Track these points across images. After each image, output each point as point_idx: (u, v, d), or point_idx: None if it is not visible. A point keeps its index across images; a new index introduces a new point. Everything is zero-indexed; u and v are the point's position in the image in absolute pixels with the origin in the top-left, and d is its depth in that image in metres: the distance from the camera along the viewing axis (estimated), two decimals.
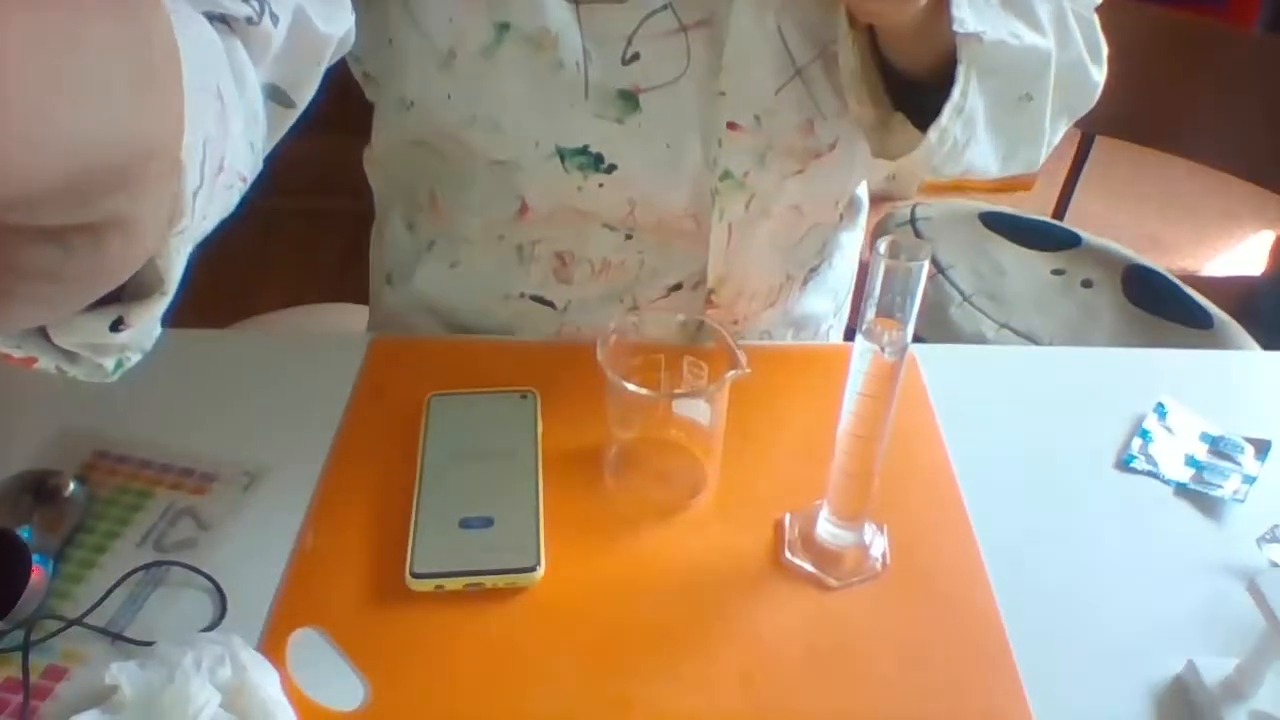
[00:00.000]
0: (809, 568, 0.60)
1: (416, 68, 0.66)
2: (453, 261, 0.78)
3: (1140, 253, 1.49)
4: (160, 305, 0.39)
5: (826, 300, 0.86)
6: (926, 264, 0.49)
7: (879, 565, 0.60)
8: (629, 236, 0.73)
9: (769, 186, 0.70)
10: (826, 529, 0.61)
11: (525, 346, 0.78)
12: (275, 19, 0.42)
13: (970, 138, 0.65)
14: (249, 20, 0.40)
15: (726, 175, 0.68)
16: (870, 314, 0.51)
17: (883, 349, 0.52)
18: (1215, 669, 0.54)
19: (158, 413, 0.70)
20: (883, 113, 0.66)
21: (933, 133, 0.61)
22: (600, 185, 0.68)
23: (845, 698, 0.54)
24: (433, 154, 0.73)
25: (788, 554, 0.61)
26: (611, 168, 0.67)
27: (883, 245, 0.49)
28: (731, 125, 0.66)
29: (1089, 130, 1.52)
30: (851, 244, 0.87)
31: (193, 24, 0.36)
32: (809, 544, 0.61)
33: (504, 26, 0.62)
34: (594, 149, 0.66)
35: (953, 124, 0.62)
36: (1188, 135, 1.45)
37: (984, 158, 0.68)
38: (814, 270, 0.82)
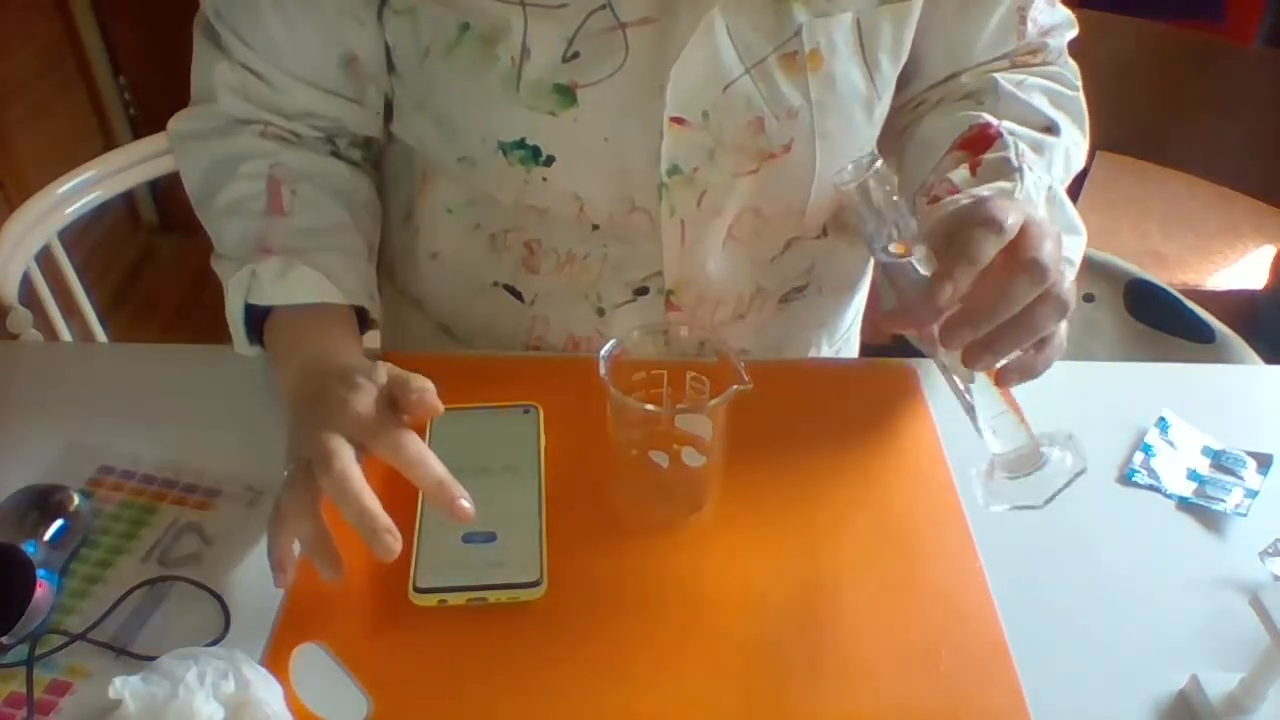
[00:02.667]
0: None
1: (406, 68, 0.71)
2: (433, 252, 0.81)
3: (1142, 267, 1.49)
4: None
5: (813, 330, 0.86)
6: (879, 163, 0.53)
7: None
8: (595, 227, 0.74)
9: (720, 184, 0.71)
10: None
11: (528, 361, 0.78)
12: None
13: None
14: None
15: (675, 170, 0.69)
16: (889, 244, 0.55)
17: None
18: (1218, 684, 0.54)
19: (162, 428, 0.70)
20: None
21: None
22: (544, 179, 0.70)
23: (846, 710, 0.54)
24: (426, 158, 0.78)
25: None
26: (550, 159, 0.69)
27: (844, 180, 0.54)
28: (678, 120, 0.67)
29: (1090, 146, 1.53)
30: (854, 273, 0.87)
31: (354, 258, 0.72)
32: None
33: (465, 26, 0.66)
34: (530, 141, 0.68)
35: None
36: (1188, 150, 1.46)
37: None
38: (799, 291, 0.82)
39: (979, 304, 0.54)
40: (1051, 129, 0.74)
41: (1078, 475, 0.57)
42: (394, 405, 0.60)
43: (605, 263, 0.75)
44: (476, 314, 0.82)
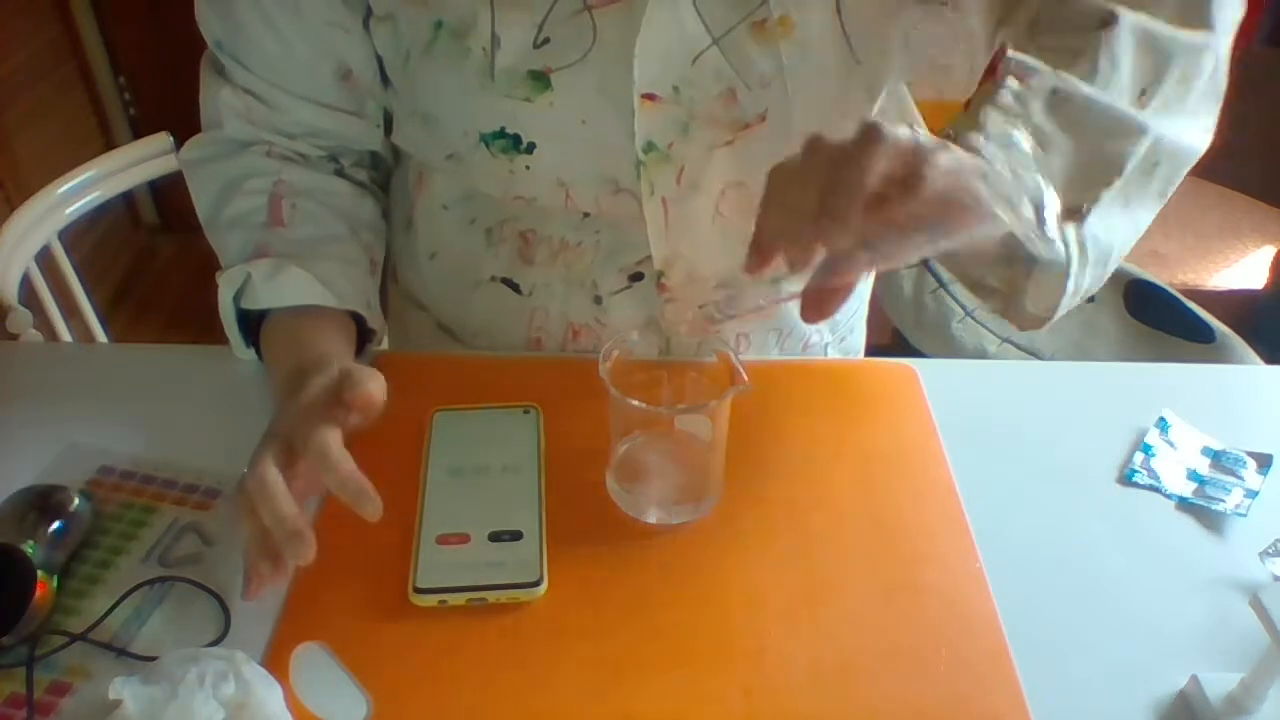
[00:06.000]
0: None
1: (394, 76, 0.72)
2: (432, 252, 0.82)
3: (1142, 267, 1.49)
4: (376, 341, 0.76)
5: None
6: None
7: None
8: (586, 215, 0.74)
9: (697, 158, 0.70)
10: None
11: (528, 361, 0.78)
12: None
13: (1102, 250, 0.60)
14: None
15: (650, 147, 0.69)
16: None
17: None
18: (1219, 684, 0.54)
19: (163, 428, 0.70)
20: (999, 296, 0.64)
21: (1064, 299, 0.60)
22: (527, 168, 0.71)
23: (846, 710, 0.54)
24: (419, 159, 0.79)
25: None
26: (531, 146, 0.69)
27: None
28: (649, 96, 0.67)
29: None
30: None
31: (353, 266, 0.73)
32: None
33: (438, 24, 0.67)
34: (510, 130, 0.69)
35: (1080, 274, 0.59)
36: None
37: (1128, 232, 0.63)
38: None
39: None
40: (1108, 20, 0.61)
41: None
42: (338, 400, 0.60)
43: (599, 249, 0.76)
44: (476, 310, 0.82)
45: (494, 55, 0.66)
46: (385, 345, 0.94)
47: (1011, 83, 0.59)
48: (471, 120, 0.70)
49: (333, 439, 0.56)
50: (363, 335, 0.74)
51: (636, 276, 0.77)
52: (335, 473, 0.55)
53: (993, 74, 0.61)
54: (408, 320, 0.89)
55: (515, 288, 0.79)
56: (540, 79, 0.66)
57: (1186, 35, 0.62)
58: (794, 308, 0.82)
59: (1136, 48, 0.61)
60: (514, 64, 0.66)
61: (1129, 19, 0.61)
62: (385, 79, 0.74)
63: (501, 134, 0.69)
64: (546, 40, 0.66)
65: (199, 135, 0.77)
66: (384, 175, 0.84)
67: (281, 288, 0.68)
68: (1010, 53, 0.60)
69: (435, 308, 0.85)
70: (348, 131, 0.76)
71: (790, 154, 0.60)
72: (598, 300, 0.78)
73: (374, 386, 0.59)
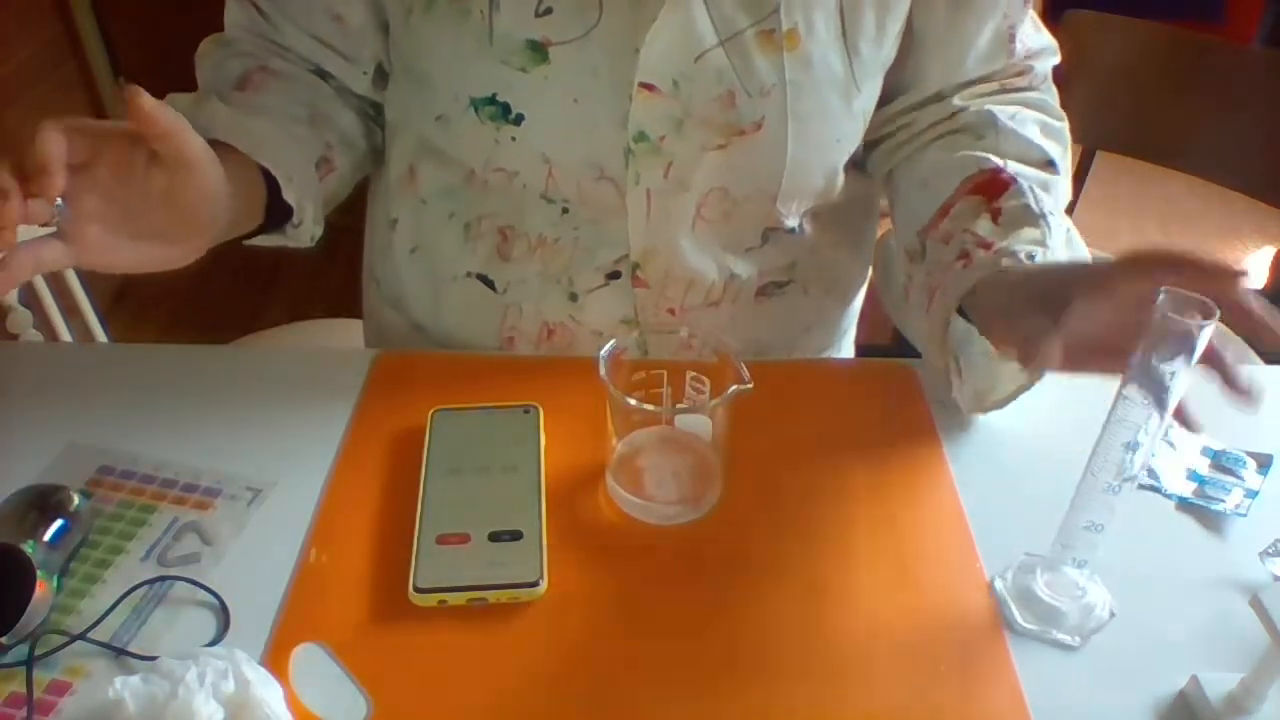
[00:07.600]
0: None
1: (396, 30, 0.74)
2: (413, 247, 0.82)
3: None
4: (299, 230, 0.72)
5: (797, 332, 0.85)
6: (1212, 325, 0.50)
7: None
8: (565, 211, 0.74)
9: (687, 156, 0.70)
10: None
11: (527, 361, 0.78)
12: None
13: None
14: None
15: (642, 137, 0.69)
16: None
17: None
18: (1219, 684, 0.54)
19: (162, 428, 0.70)
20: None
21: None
22: (513, 139, 0.71)
23: (846, 710, 0.54)
24: (409, 128, 0.79)
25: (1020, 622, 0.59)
26: (520, 118, 0.70)
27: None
28: (647, 86, 0.67)
29: (1090, 146, 1.53)
30: (844, 278, 0.87)
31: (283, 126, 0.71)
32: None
33: None
34: (501, 98, 0.69)
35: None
36: (1188, 150, 1.46)
37: None
38: (779, 286, 0.81)
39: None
40: (1051, 165, 0.74)
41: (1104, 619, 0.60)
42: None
43: (576, 245, 0.76)
44: (450, 308, 0.82)
45: (492, 18, 0.66)
46: (362, 343, 0.94)
47: (1053, 220, 0.68)
48: (463, 83, 0.70)
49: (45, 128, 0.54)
50: (280, 216, 0.69)
51: (614, 275, 0.76)
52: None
53: (990, 190, 0.70)
54: (384, 321, 0.88)
55: (490, 284, 0.79)
56: (538, 50, 0.67)
57: (1068, 190, 0.76)
58: (772, 320, 0.82)
59: (1063, 192, 0.75)
60: (512, 29, 0.66)
61: (1062, 169, 0.75)
62: (389, 32, 0.75)
63: (492, 100, 0.69)
64: (549, 10, 0.66)
65: (209, 36, 0.79)
66: (382, 117, 0.83)
67: (194, 118, 0.62)
68: (1036, 190, 0.70)
69: (410, 304, 0.85)
70: (335, 69, 0.78)
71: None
72: (573, 298, 0.78)
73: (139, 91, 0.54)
